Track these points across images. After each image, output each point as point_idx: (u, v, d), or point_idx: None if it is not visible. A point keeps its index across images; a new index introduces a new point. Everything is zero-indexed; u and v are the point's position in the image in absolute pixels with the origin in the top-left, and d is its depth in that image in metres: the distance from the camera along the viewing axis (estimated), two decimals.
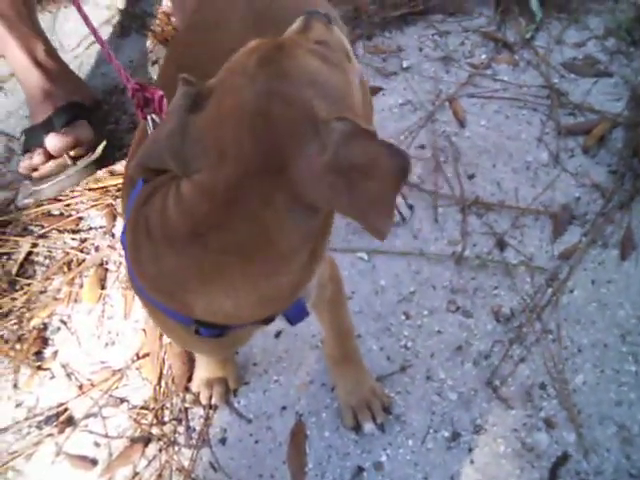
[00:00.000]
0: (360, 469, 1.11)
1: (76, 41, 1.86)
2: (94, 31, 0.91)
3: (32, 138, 1.57)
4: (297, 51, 0.65)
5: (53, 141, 1.53)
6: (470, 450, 1.09)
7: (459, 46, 1.64)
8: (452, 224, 1.35)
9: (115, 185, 1.57)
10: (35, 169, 1.54)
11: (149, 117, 0.81)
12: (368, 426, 1.12)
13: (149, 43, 1.86)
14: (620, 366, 1.12)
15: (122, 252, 1.45)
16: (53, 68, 1.62)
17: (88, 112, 1.63)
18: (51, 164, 1.52)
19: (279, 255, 0.64)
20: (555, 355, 1.14)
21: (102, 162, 1.58)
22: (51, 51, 1.66)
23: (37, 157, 1.53)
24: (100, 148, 1.55)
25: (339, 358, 1.10)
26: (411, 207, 1.38)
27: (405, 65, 1.65)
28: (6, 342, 1.42)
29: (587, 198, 1.32)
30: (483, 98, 1.53)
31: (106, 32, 1.88)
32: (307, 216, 0.63)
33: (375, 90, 1.57)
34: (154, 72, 1.80)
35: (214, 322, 0.70)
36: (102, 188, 1.58)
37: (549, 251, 1.27)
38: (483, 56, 1.61)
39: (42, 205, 1.62)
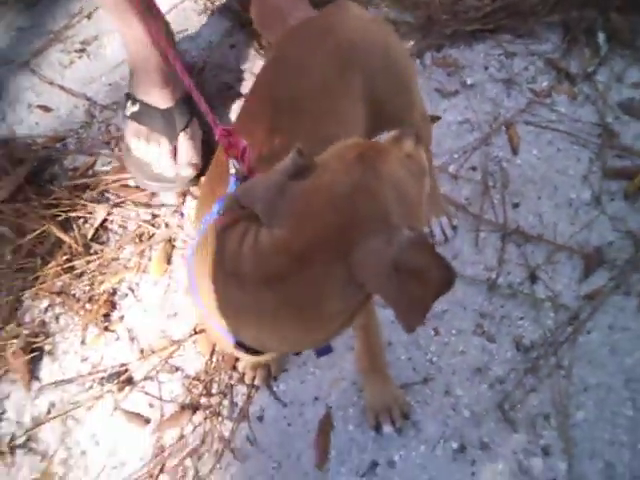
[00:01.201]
0: (375, 464, 1.27)
1: None
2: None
3: (148, 117, 1.62)
4: (390, 157, 0.78)
5: (185, 154, 1.62)
6: (473, 463, 1.24)
7: (523, 70, 1.71)
8: (491, 250, 1.46)
9: None
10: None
11: (231, 162, 0.93)
12: (387, 428, 1.28)
13: (229, 25, 1.97)
14: (619, 409, 1.24)
15: (189, 232, 1.61)
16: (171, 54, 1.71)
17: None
18: (172, 168, 1.62)
19: (324, 315, 0.79)
20: (563, 390, 1.27)
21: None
22: (170, 37, 1.72)
23: (165, 154, 1.62)
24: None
25: (368, 369, 1.25)
26: (455, 228, 1.49)
27: (469, 82, 1.73)
28: (78, 301, 1.60)
29: (620, 244, 1.42)
30: (539, 127, 1.61)
31: (188, 10, 1.98)
32: (356, 291, 0.77)
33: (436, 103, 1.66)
34: (232, 56, 1.90)
35: (254, 347, 0.85)
36: None
37: (576, 290, 1.38)
38: (545, 83, 1.68)
39: (119, 174, 1.77)
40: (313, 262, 0.73)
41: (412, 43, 1.83)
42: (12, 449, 1.44)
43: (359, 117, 1.08)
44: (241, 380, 1.41)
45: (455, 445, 1.26)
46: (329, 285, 0.74)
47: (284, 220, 0.75)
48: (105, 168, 1.79)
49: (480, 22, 1.79)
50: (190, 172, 1.62)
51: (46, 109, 1.96)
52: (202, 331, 1.49)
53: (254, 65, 1.86)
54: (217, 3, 1.99)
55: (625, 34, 1.70)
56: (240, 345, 0.86)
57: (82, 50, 2.04)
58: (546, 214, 1.48)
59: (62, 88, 1.96)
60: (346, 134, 1.02)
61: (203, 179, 1.59)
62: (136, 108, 1.65)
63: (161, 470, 1.35)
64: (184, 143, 1.63)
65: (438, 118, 1.63)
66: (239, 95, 1.82)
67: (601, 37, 1.71)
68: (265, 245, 0.76)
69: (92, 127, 1.89)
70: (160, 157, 1.62)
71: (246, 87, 1.83)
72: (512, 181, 1.55)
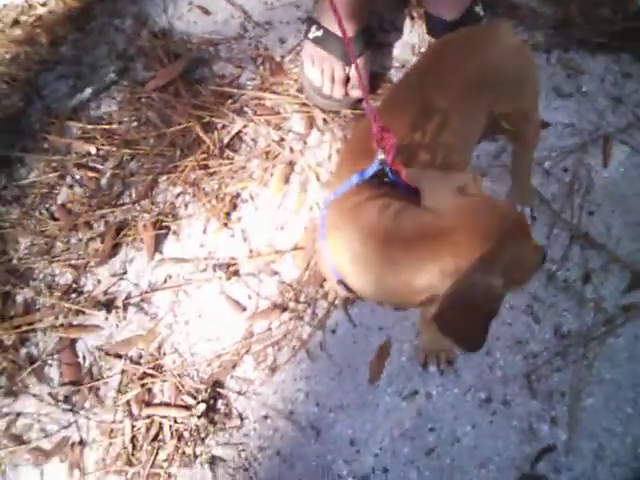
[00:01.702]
0: (415, 392, 1.58)
1: None
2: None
3: (329, 43, 1.87)
4: (524, 232, 1.03)
5: (356, 79, 1.84)
6: (493, 414, 1.54)
7: (633, 92, 1.88)
8: (558, 246, 1.70)
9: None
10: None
11: (380, 150, 1.16)
12: (432, 368, 1.58)
13: None
14: (621, 405, 1.51)
15: (309, 161, 1.88)
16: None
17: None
18: (339, 92, 1.89)
19: (414, 289, 1.04)
20: (582, 377, 1.54)
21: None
22: None
23: (337, 82, 1.89)
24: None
25: (428, 321, 1.54)
26: (534, 219, 1.73)
27: (584, 89, 1.91)
28: (206, 195, 1.90)
29: None
30: (632, 149, 1.80)
31: None
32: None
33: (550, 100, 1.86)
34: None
35: (352, 289, 1.14)
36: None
37: (617, 299, 1.62)
38: None
39: (260, 92, 2.03)
40: (436, 252, 0.99)
41: (542, 38, 2.00)
42: (125, 306, 1.78)
43: (481, 128, 1.32)
44: (325, 297, 1.71)
45: (483, 396, 1.56)
46: (430, 273, 1.01)
47: (443, 210, 1.01)
48: (249, 83, 2.05)
49: (609, 36, 1.94)
50: (358, 94, 1.89)
51: (205, 11, 2.21)
52: (301, 248, 1.79)
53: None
54: None
55: None
56: (341, 283, 1.15)
57: None
58: (614, 228, 1.70)
59: None
60: (467, 142, 1.27)
61: (343, 147, 1.86)
62: (320, 33, 1.91)
63: (247, 351, 1.68)
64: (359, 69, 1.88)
65: (548, 125, 1.83)
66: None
67: None
68: (407, 217, 1.03)
69: (243, 40, 2.13)
70: (333, 81, 1.89)
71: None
72: (595, 190, 1.76)
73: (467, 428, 1.52)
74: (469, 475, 1.48)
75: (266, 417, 1.60)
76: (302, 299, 1.72)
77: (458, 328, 0.99)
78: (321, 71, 1.90)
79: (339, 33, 1.82)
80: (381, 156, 1.13)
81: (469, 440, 1.51)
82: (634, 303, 1.60)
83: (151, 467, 1.57)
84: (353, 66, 1.89)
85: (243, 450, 1.57)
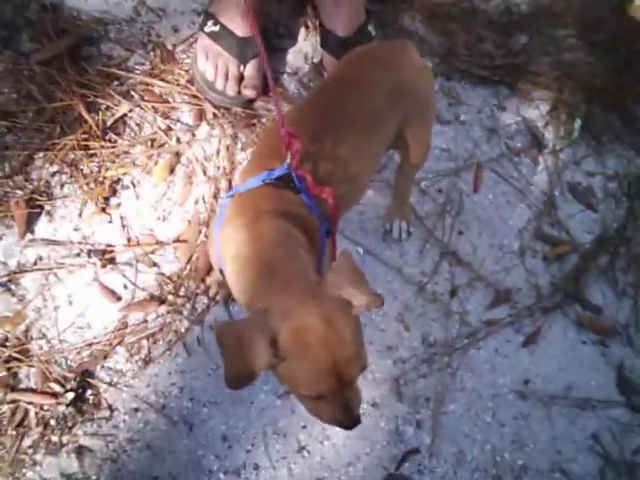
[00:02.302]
0: None
1: None
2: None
3: (225, 40, 1.86)
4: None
5: (251, 79, 1.88)
6: (363, 415, 1.60)
7: (507, 125, 2.04)
8: (430, 260, 1.81)
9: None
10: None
11: (289, 155, 1.18)
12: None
13: None
14: (481, 414, 1.63)
15: (196, 153, 1.86)
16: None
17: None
18: (232, 89, 1.88)
19: None
20: (445, 384, 1.65)
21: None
22: None
23: (231, 79, 1.88)
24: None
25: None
26: (410, 234, 1.83)
27: (462, 118, 2.05)
28: (84, 177, 1.82)
29: (526, 292, 1.79)
30: (501, 178, 1.96)
31: None
32: None
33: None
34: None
35: None
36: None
37: (480, 314, 1.75)
38: (519, 144, 2.02)
39: (148, 78, 1.99)
40: (283, 305, 1.01)
41: (429, 64, 2.12)
42: None
43: (391, 137, 1.39)
44: (206, 292, 1.70)
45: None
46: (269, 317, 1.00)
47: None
48: (138, 67, 1.99)
49: (490, 70, 2.10)
50: (252, 94, 1.90)
51: None
52: (184, 241, 1.76)
53: None
54: None
55: (597, 128, 2.05)
56: (222, 273, 1.19)
57: None
58: (480, 249, 1.84)
59: None
60: (382, 148, 1.34)
61: (259, 141, 1.84)
62: (216, 29, 1.89)
63: (119, 342, 1.63)
64: (252, 70, 1.89)
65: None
66: None
67: (578, 123, 2.05)
68: (290, 261, 1.11)
69: (135, 24, 2.08)
70: (226, 78, 1.89)
71: None
72: (465, 212, 1.89)
73: (337, 428, 1.56)
74: (337, 473, 1.53)
75: (137, 410, 1.56)
76: (182, 293, 1.70)
77: (226, 356, 1.01)
78: (215, 66, 1.90)
79: (236, 31, 1.85)
80: (289, 160, 1.17)
81: (338, 439, 1.56)
82: (495, 319, 1.74)
83: (16, 452, 1.48)
84: (248, 65, 1.90)
85: (112, 442, 1.52)
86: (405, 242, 1.81)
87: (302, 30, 2.12)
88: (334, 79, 1.43)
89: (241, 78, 1.92)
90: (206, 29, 1.92)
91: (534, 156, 2.00)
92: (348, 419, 1.05)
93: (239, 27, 1.88)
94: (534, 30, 2.21)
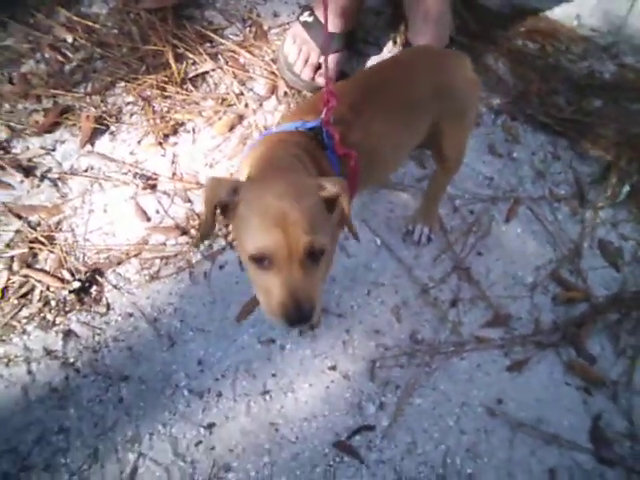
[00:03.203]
0: (273, 340, 1.70)
1: None
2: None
3: (315, 31, 2.05)
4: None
5: (329, 66, 2.02)
6: (332, 382, 1.66)
7: (556, 173, 2.08)
8: (440, 269, 1.87)
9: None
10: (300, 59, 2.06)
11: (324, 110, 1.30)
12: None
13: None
14: (445, 416, 1.65)
15: (257, 120, 2.02)
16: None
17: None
18: (307, 75, 2.04)
19: None
20: (419, 380, 1.69)
21: None
22: None
23: (309, 65, 2.04)
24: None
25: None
26: (430, 240, 1.90)
27: (514, 155, 2.11)
28: (154, 112, 2.01)
29: (525, 322, 1.81)
30: (535, 217, 2.00)
31: None
32: None
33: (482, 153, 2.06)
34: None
35: None
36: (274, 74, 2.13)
37: (474, 329, 1.78)
38: (562, 192, 2.06)
39: (240, 47, 2.16)
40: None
41: (498, 101, 2.21)
42: (42, 177, 1.87)
43: (422, 135, 1.48)
44: (226, 237, 1.82)
45: (329, 363, 1.69)
46: None
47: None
48: (232, 37, 2.19)
49: (555, 120, 2.17)
50: (322, 82, 2.03)
51: None
52: None
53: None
54: None
55: None
56: None
57: None
58: (493, 272, 1.88)
59: None
60: (410, 139, 1.43)
61: (299, 102, 2.03)
62: (310, 19, 2.08)
63: (136, 255, 1.77)
64: (330, 62, 2.05)
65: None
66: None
67: (626, 188, 2.07)
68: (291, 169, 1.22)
69: (241, 1, 2.28)
70: (305, 63, 2.05)
71: None
72: (489, 237, 1.94)
73: (305, 385, 1.64)
74: (291, 424, 1.59)
75: (131, 315, 1.68)
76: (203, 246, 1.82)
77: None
78: (299, 51, 2.06)
79: (328, 27, 2.00)
80: (323, 115, 1.28)
81: (302, 395, 1.63)
82: (487, 337, 1.77)
83: (11, 319, 1.62)
84: (328, 58, 2.05)
85: (99, 334, 1.64)
86: (423, 247, 1.88)
87: (389, 43, 2.26)
88: (388, 63, 1.54)
89: (318, 67, 2.07)
90: (301, 18, 2.09)
91: (574, 207, 2.03)
92: (292, 305, 1.05)
93: (330, 22, 2.05)
94: (610, 98, 2.27)
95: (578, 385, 1.74)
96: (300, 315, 1.06)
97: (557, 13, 2.41)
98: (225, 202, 1.09)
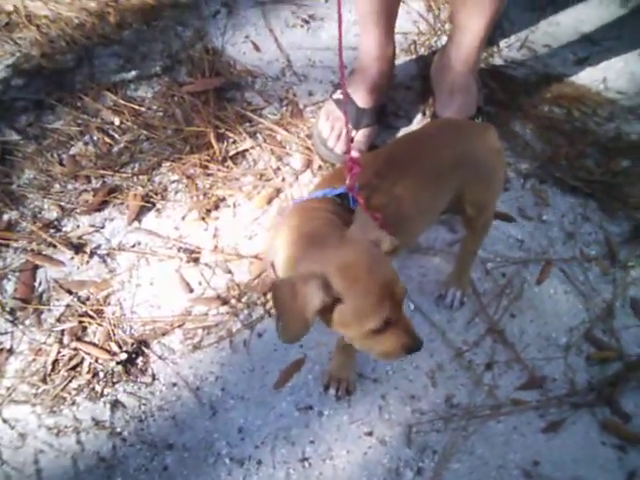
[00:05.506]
0: (310, 407, 1.76)
1: None
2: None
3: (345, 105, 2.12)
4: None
5: (358, 143, 2.16)
6: (369, 447, 1.70)
7: (587, 234, 2.12)
8: (475, 332, 1.91)
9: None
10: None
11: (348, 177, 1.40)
12: (331, 392, 1.76)
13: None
14: (482, 479, 1.68)
15: (294, 193, 2.12)
16: (386, 71, 2.21)
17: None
18: (340, 149, 2.14)
19: None
20: (456, 444, 1.72)
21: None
22: (393, 56, 2.21)
23: (342, 140, 2.14)
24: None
25: (339, 348, 1.73)
26: (462, 304, 1.95)
27: (544, 218, 2.16)
28: (197, 190, 2.13)
29: (560, 384, 1.82)
30: (567, 278, 2.03)
31: None
32: None
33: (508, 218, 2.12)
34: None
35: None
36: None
37: (509, 392, 1.81)
38: (593, 252, 2.10)
39: (277, 125, 2.29)
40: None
41: (526, 165, 2.28)
42: (92, 254, 1.99)
43: (445, 202, 1.55)
44: (264, 305, 1.91)
45: (366, 429, 1.73)
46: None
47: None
48: (269, 116, 2.32)
49: (583, 183, 2.21)
50: (356, 155, 2.16)
51: (256, 47, 2.51)
52: (260, 259, 2.00)
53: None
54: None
55: None
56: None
57: (307, 22, 2.57)
58: (527, 334, 1.91)
59: (276, 40, 2.50)
60: (434, 205, 1.51)
61: (328, 172, 2.12)
62: (341, 96, 2.17)
63: (180, 326, 1.87)
64: (362, 136, 2.17)
65: (511, 219, 2.12)
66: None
67: None
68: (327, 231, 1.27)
69: (278, 82, 2.42)
70: (338, 138, 2.16)
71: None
72: (522, 300, 1.98)
73: (343, 452, 1.69)
74: None
75: (175, 385, 1.76)
76: (244, 300, 1.91)
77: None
78: (332, 127, 2.18)
79: (358, 101, 2.13)
80: (347, 180, 1.38)
81: (340, 462, 1.67)
82: (523, 400, 1.79)
83: (61, 390, 1.73)
84: (360, 131, 2.17)
85: (145, 404, 1.73)
86: (456, 310, 1.93)
87: (419, 115, 2.36)
88: (414, 135, 1.64)
89: (352, 141, 2.18)
90: (334, 96, 2.22)
91: (605, 267, 2.06)
92: (416, 339, 1.19)
93: (361, 98, 2.17)
94: (637, 157, 2.31)
95: (613, 443, 1.74)
96: (421, 343, 1.21)
97: (583, 78, 2.48)
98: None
